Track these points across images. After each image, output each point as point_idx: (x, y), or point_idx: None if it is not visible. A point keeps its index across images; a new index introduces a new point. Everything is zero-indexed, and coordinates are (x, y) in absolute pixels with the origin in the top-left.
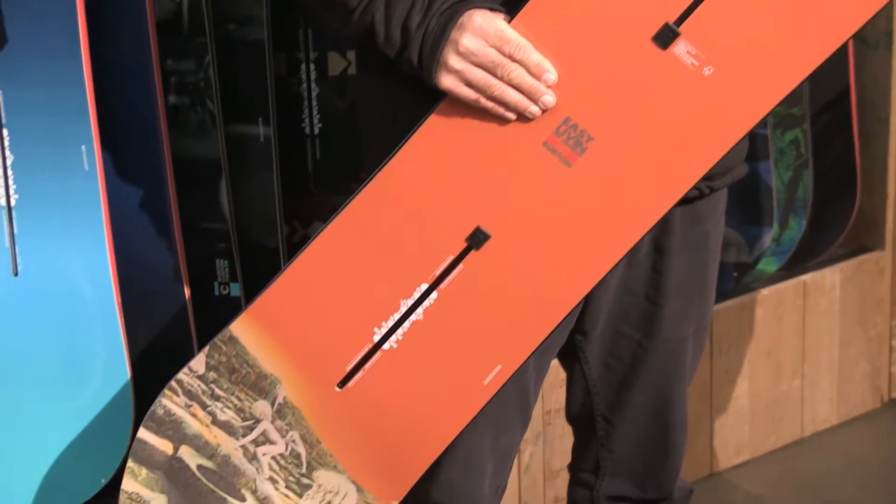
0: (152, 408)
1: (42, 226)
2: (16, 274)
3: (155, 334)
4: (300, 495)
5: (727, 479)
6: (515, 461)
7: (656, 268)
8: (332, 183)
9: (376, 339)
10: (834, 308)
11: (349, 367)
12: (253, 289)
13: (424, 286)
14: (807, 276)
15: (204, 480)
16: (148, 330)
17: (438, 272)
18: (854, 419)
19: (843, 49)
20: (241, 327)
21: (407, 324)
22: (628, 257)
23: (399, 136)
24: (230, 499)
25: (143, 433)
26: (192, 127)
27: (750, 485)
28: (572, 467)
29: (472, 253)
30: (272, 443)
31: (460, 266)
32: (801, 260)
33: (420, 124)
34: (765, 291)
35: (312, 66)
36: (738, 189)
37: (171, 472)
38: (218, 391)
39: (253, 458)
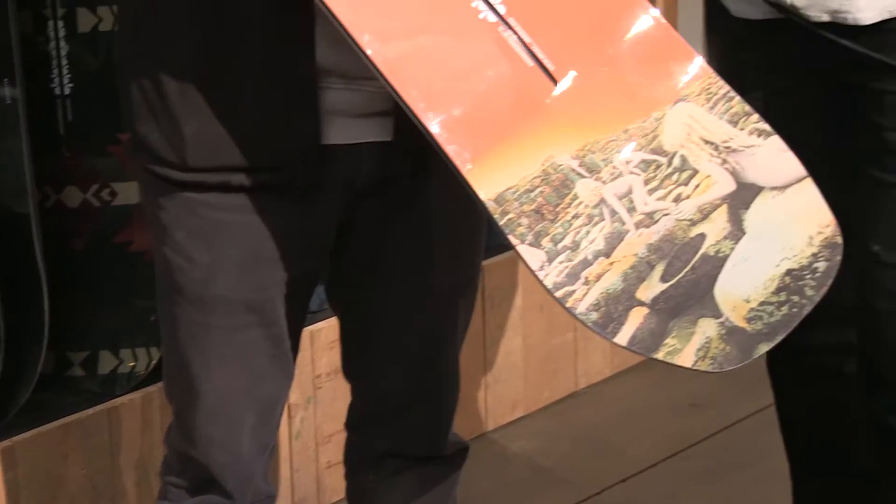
0: (597, 324)
1: None
2: None
3: None
4: (696, 170)
5: (503, 436)
6: (286, 427)
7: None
8: (86, 145)
9: (492, 18)
10: None
11: (530, 63)
12: (3, 259)
13: None
14: None
15: (681, 277)
16: None
17: None
18: (627, 370)
19: None
20: (481, 187)
21: None
22: None
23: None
24: (702, 252)
25: (617, 338)
26: None
27: (526, 440)
28: (347, 424)
29: None
30: (631, 192)
31: None
32: None
33: None
34: None
35: (61, 23)
36: None
37: (667, 324)
38: (568, 240)
39: (650, 217)
